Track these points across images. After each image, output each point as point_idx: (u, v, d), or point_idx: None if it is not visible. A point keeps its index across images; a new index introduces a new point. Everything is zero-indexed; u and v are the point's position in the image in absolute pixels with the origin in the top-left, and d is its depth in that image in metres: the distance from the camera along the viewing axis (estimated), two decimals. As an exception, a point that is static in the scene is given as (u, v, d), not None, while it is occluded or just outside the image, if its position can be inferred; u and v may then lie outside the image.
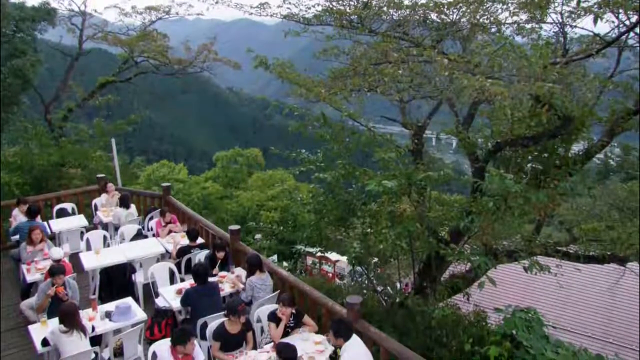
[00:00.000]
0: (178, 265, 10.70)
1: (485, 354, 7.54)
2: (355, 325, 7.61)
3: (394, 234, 10.50)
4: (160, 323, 9.04)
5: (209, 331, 7.95)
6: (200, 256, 10.74)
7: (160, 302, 9.60)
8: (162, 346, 7.17)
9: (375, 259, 12.21)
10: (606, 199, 11.08)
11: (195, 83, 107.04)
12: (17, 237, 11.62)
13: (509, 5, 8.91)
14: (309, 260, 25.15)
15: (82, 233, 12.34)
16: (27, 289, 10.19)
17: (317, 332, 8.26)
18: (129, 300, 8.94)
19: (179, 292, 9.25)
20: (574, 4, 8.40)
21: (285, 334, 8.04)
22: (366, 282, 12.50)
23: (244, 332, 7.94)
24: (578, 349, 7.64)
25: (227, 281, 9.94)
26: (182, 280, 10.33)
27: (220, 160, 52.35)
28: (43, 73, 22.83)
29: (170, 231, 12.19)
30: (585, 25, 9.00)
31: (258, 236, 27.22)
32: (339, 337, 7.03)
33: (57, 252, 9.81)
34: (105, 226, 13.21)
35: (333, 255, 23.38)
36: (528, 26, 9.31)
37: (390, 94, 9.65)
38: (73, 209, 14.10)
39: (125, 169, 23.40)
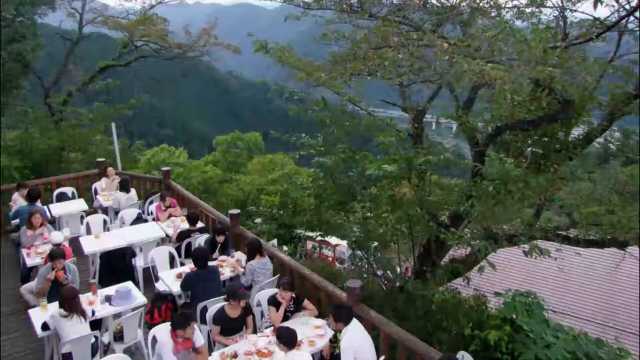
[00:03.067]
0: (178, 249, 10.72)
1: (485, 338, 7.55)
2: (355, 309, 7.62)
3: (394, 218, 10.52)
4: (160, 307, 9.03)
5: (209, 315, 7.98)
6: (200, 240, 10.76)
7: (160, 286, 9.62)
8: (162, 330, 7.17)
9: (375, 243, 12.21)
10: (606, 183, 11.04)
11: (195, 67, 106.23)
12: (17, 221, 11.63)
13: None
14: (309, 244, 25.17)
15: (82, 217, 12.36)
16: (27, 273, 10.22)
17: (317, 316, 8.29)
18: (129, 284, 8.94)
19: (179, 276, 9.27)
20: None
21: (286, 318, 8.07)
22: (366, 266, 12.49)
23: (244, 317, 7.96)
24: (578, 333, 7.64)
25: (227, 265, 9.96)
26: (182, 264, 10.35)
27: (220, 144, 52.35)
28: (43, 57, 22.75)
29: (170, 215, 12.20)
30: (586, 9, 9.00)
31: (258, 220, 27.20)
32: (339, 321, 7.05)
33: (57, 236, 9.84)
34: (105, 210, 13.24)
35: (333, 240, 23.36)
36: (528, 10, 9.28)
37: (390, 78, 9.61)
38: (73, 193, 14.10)
39: (125, 153, 23.41)
